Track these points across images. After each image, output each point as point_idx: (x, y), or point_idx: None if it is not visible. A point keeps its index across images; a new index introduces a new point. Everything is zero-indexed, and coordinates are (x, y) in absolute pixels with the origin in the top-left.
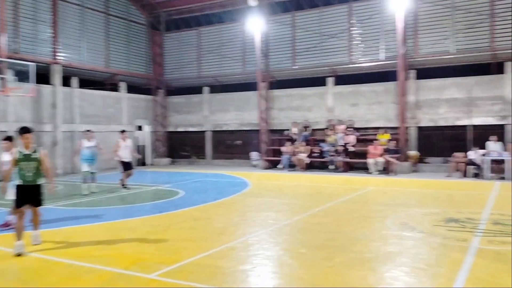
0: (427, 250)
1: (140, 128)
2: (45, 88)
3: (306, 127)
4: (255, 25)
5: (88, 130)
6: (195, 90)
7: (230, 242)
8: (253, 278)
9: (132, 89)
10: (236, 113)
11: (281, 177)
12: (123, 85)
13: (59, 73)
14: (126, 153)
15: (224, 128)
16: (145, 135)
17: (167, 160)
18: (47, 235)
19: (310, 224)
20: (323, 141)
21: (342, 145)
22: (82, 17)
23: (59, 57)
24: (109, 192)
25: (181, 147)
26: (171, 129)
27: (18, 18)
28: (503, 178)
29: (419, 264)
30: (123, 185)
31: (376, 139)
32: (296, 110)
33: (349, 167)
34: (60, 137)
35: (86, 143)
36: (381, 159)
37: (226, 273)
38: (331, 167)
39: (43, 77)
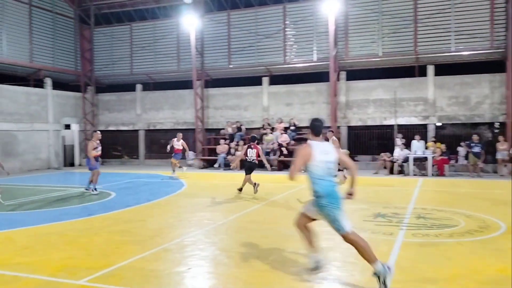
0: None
1: (68, 127)
2: None
3: (239, 127)
4: (190, 23)
5: None
6: (127, 87)
7: (165, 244)
8: (189, 279)
9: (59, 85)
10: (171, 112)
11: (217, 177)
12: (48, 81)
13: None
14: None
15: (158, 127)
16: (74, 134)
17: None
18: None
19: (244, 222)
20: (259, 140)
21: (277, 144)
22: (1, 8)
23: None
24: (33, 195)
25: (112, 146)
26: (101, 128)
27: None
28: (425, 175)
29: (350, 258)
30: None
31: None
32: (232, 109)
33: (284, 166)
34: None
35: None
36: None
37: (160, 276)
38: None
39: None
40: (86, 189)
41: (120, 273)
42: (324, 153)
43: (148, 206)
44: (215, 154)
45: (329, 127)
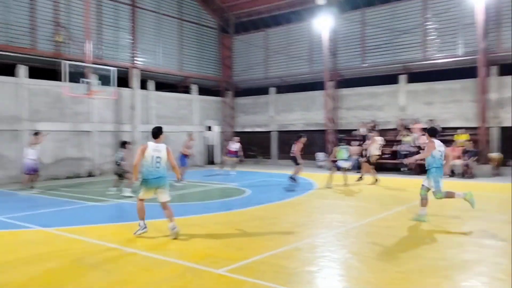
0: (508, 259)
1: (210, 128)
2: (125, 91)
3: (374, 127)
4: (323, 24)
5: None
6: (262, 91)
7: (296, 243)
8: (319, 280)
9: (203, 91)
10: (302, 113)
11: (349, 179)
12: (194, 88)
13: (137, 76)
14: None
15: (290, 128)
16: (215, 135)
17: (234, 159)
18: (125, 228)
19: (379, 227)
20: (395, 141)
21: (416, 146)
22: (158, 23)
23: (137, 62)
24: (180, 189)
25: (248, 147)
26: (238, 129)
27: (101, 26)
28: None
29: (499, 274)
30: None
31: (453, 140)
32: (365, 109)
33: (422, 170)
34: (138, 137)
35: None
36: (458, 162)
37: (292, 273)
38: (403, 169)
39: (123, 80)
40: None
41: (254, 266)
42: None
43: (280, 205)
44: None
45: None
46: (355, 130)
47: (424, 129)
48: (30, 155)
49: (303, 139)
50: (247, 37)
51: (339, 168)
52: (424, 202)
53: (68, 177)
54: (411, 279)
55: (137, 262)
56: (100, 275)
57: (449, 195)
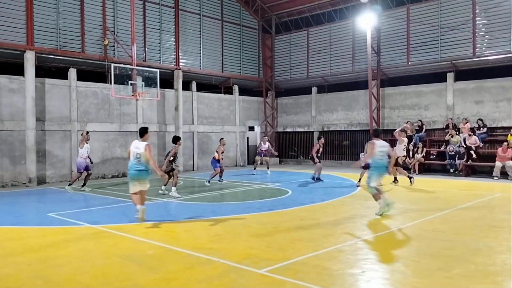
0: None
1: (251, 128)
2: (169, 92)
3: (420, 127)
4: (367, 22)
5: None
6: (303, 90)
7: (338, 244)
8: (363, 282)
9: (244, 91)
10: (345, 113)
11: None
12: (236, 88)
13: (180, 78)
14: None
15: (332, 128)
16: (256, 135)
17: (275, 159)
18: (170, 227)
19: (425, 230)
20: (442, 141)
21: (464, 146)
22: (200, 25)
23: (180, 64)
24: (223, 189)
25: (289, 147)
26: (280, 129)
27: (145, 29)
28: None
29: None
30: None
31: (506, 140)
32: (410, 108)
33: (472, 171)
34: (181, 137)
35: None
36: (510, 163)
37: (334, 275)
38: (451, 170)
39: (166, 82)
40: (208, 182)
41: (295, 267)
42: None
43: (322, 206)
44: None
45: None
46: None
47: (471, 129)
48: (81, 154)
49: (321, 141)
50: (289, 37)
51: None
52: (376, 197)
53: (114, 176)
54: (458, 284)
55: (180, 260)
56: (144, 272)
57: (376, 196)
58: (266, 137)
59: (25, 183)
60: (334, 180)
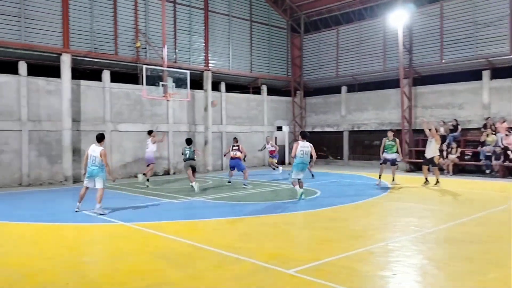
0: None
1: (279, 128)
2: (198, 93)
3: (455, 126)
4: (398, 19)
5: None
6: (333, 90)
7: (369, 246)
8: (394, 285)
9: (273, 91)
10: (375, 112)
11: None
12: (264, 88)
13: (209, 79)
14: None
15: (362, 128)
16: (284, 135)
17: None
18: (199, 225)
19: (458, 233)
20: (477, 142)
21: (500, 147)
22: (229, 26)
23: (209, 65)
24: (252, 189)
25: (318, 147)
26: (308, 129)
27: (176, 31)
28: None
29: None
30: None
31: None
32: (444, 107)
33: (508, 172)
34: (210, 137)
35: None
36: None
37: (364, 277)
38: (487, 171)
39: (196, 83)
40: (245, 185)
41: (325, 268)
42: None
43: (352, 207)
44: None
45: None
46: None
47: (509, 129)
48: (151, 149)
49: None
50: (318, 36)
51: (384, 162)
52: (294, 184)
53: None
54: None
55: (209, 259)
56: (174, 269)
57: (294, 183)
58: (269, 137)
59: (61, 182)
60: (365, 181)
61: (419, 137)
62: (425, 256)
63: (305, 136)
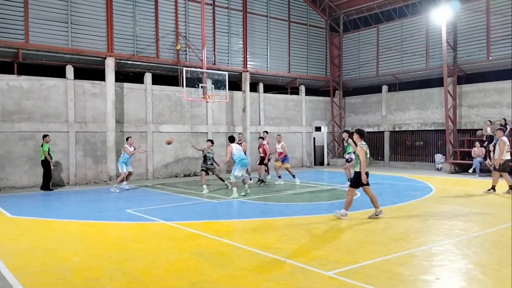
0: None
1: (318, 129)
2: (237, 94)
3: (503, 126)
4: (442, 16)
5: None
6: (373, 89)
7: (411, 249)
8: None
9: (311, 91)
10: (417, 112)
11: (471, 183)
12: (302, 88)
13: (248, 80)
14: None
15: (404, 128)
16: (323, 135)
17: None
18: (238, 225)
19: (508, 238)
20: None
21: None
22: (267, 27)
23: (248, 66)
24: (290, 189)
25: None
26: (347, 129)
27: (215, 33)
28: None
29: None
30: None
31: None
32: (491, 106)
33: None
34: (249, 137)
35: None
36: None
37: (406, 281)
38: None
39: (234, 84)
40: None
41: (364, 271)
42: None
43: (393, 209)
44: (470, 157)
45: None
46: (479, 129)
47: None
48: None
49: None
50: (357, 35)
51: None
52: (233, 184)
53: (186, 175)
54: None
55: (248, 258)
56: (214, 268)
57: (233, 184)
58: (279, 136)
59: (105, 181)
60: (407, 182)
61: (464, 137)
62: (470, 261)
63: (233, 140)
